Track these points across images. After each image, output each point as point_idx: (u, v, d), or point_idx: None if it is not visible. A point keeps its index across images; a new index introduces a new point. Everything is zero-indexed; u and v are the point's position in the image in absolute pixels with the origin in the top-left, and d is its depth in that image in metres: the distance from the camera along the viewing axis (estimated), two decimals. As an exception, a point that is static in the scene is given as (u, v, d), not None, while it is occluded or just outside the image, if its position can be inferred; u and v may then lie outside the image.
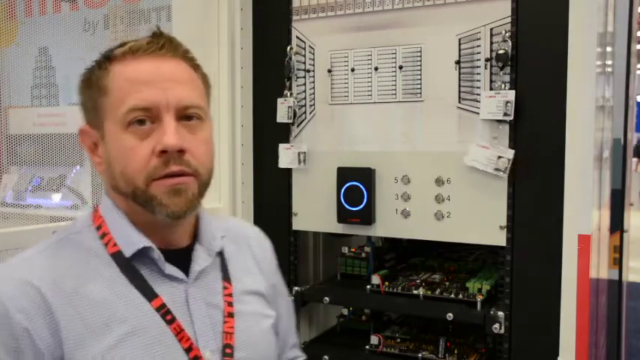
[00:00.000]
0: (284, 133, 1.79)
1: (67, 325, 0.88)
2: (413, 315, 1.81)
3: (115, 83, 0.93)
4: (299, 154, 1.75)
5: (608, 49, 1.89)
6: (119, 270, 0.94)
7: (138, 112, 0.91)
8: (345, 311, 1.94)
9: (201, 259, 1.01)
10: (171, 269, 0.97)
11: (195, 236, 1.03)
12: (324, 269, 2.05)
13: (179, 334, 0.93)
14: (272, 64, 1.78)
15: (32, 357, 0.85)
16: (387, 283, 1.69)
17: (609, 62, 1.99)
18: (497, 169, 1.49)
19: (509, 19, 1.48)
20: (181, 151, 0.92)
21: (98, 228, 0.98)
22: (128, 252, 0.95)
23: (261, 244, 1.19)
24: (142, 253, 0.95)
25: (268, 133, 1.81)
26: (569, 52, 1.38)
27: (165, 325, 0.93)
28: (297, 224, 1.79)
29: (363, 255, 1.82)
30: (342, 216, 1.68)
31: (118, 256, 0.95)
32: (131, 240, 0.95)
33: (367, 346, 1.72)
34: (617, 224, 2.65)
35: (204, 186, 0.97)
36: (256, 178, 1.84)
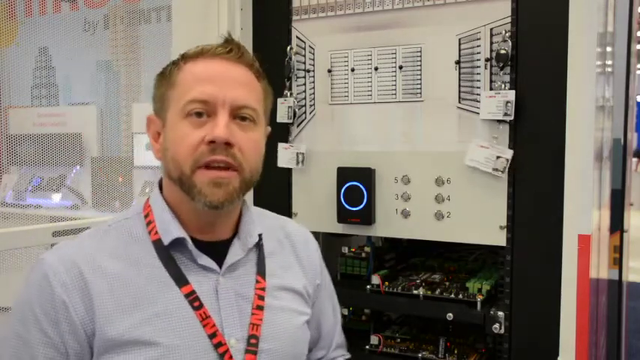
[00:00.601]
0: (284, 133, 1.79)
1: (100, 302, 0.96)
2: (413, 315, 1.81)
3: (183, 78, 1.03)
4: (297, 154, 1.75)
5: (608, 49, 1.89)
6: (157, 256, 1.02)
7: (196, 104, 1.00)
8: (345, 311, 1.93)
9: (234, 252, 1.07)
10: (204, 260, 1.04)
11: (236, 231, 1.11)
12: (324, 269, 2.05)
13: (204, 320, 1.00)
14: (272, 64, 1.77)
15: (67, 328, 0.95)
16: (387, 283, 1.69)
17: (609, 62, 1.99)
18: (495, 169, 1.49)
19: (509, 19, 1.48)
20: (229, 144, 0.99)
21: (146, 216, 1.07)
22: (166, 240, 1.03)
23: (306, 245, 1.24)
24: (180, 243, 1.03)
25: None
26: (569, 52, 1.38)
27: (191, 310, 0.99)
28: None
29: (363, 255, 1.82)
30: (342, 216, 1.69)
31: (158, 244, 1.03)
32: (169, 229, 1.03)
33: (367, 346, 1.72)
34: (617, 224, 2.66)
35: (246, 183, 1.04)
36: (256, 178, 1.84)
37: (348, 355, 1.33)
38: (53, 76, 4.81)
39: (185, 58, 1.06)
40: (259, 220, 1.15)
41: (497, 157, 1.48)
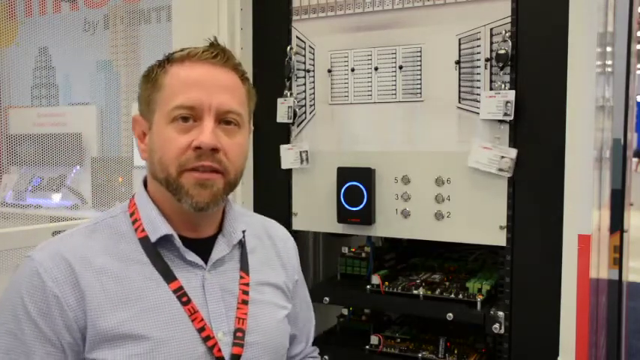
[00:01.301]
0: (284, 133, 1.79)
1: (91, 295, 0.98)
2: (413, 315, 1.81)
3: (170, 82, 1.05)
4: (301, 153, 1.75)
5: (608, 49, 1.89)
6: (145, 253, 1.05)
7: (183, 110, 1.02)
8: (345, 311, 1.94)
9: (220, 248, 1.11)
10: (191, 256, 1.07)
11: (220, 228, 1.14)
12: (324, 269, 2.05)
13: (193, 314, 1.03)
14: (272, 64, 1.78)
15: (61, 322, 0.97)
16: (387, 283, 1.69)
17: (609, 62, 1.99)
18: (500, 170, 1.48)
19: (509, 19, 1.48)
20: (215, 150, 1.02)
21: (132, 214, 1.09)
22: (153, 237, 1.05)
23: (285, 243, 1.28)
24: (167, 240, 1.06)
25: (268, 134, 1.81)
26: (569, 52, 1.38)
27: (180, 305, 1.02)
28: (297, 224, 1.79)
29: (363, 255, 1.82)
30: (342, 216, 1.68)
31: (145, 241, 1.05)
32: (156, 227, 1.06)
33: (367, 346, 1.72)
34: (617, 224, 2.66)
35: (230, 185, 1.07)
36: (256, 179, 1.84)
37: (317, 350, 1.39)
38: (53, 76, 4.81)
39: (171, 60, 1.07)
40: (241, 218, 1.18)
41: (502, 157, 1.48)
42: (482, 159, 1.50)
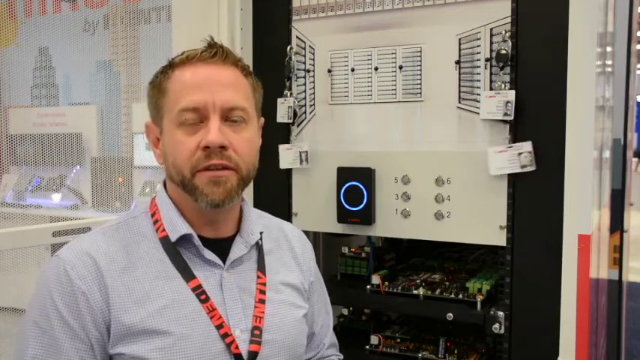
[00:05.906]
0: (284, 133, 1.79)
1: (114, 292, 1.02)
2: (413, 315, 1.81)
3: (173, 86, 1.08)
4: (300, 153, 1.75)
5: (608, 49, 1.89)
6: (165, 252, 1.08)
7: (188, 112, 1.05)
8: (345, 311, 1.94)
9: (237, 249, 1.13)
10: (209, 255, 1.10)
11: (238, 229, 1.17)
12: (324, 269, 2.04)
13: (211, 312, 1.05)
14: (272, 64, 1.78)
15: (89, 317, 1.00)
16: (387, 283, 1.69)
17: (609, 62, 1.99)
18: (524, 166, 1.47)
19: (509, 19, 1.48)
20: (223, 147, 1.04)
21: (153, 215, 1.13)
22: (173, 237, 1.08)
23: (302, 244, 1.31)
24: (186, 239, 1.09)
25: (268, 133, 1.79)
26: (569, 52, 1.38)
27: (199, 303, 1.05)
28: (297, 224, 1.78)
29: (363, 255, 1.82)
30: (342, 216, 1.69)
31: (165, 240, 1.09)
32: (176, 227, 1.09)
33: (367, 346, 1.72)
34: (617, 224, 2.66)
35: (243, 180, 1.09)
36: (256, 178, 1.82)
37: (341, 356, 1.38)
38: (53, 76, 4.81)
39: (172, 65, 1.10)
40: (258, 220, 1.21)
41: (519, 154, 1.47)
42: (502, 163, 1.49)
